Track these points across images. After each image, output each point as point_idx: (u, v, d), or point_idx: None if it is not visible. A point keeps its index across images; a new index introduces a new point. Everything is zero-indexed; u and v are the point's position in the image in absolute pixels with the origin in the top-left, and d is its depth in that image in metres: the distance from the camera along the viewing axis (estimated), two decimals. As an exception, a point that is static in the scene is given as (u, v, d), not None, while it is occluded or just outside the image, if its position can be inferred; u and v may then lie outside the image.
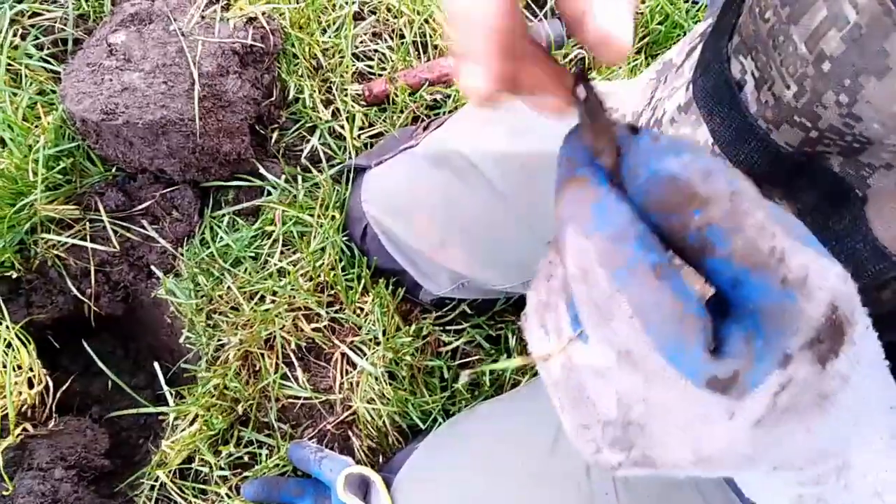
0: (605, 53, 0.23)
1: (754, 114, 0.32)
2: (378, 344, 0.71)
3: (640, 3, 0.95)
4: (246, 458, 0.69)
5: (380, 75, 0.83)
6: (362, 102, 0.82)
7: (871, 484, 0.21)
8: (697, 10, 0.95)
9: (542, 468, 0.53)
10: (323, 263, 0.72)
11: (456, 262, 0.67)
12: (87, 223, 0.72)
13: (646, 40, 0.93)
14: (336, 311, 0.72)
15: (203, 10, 0.73)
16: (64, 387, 0.69)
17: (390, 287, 0.73)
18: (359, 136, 0.80)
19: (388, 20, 0.85)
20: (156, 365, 0.71)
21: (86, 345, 0.70)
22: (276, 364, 0.70)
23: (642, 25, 0.94)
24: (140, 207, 0.73)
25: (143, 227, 0.73)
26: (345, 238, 0.74)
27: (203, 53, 0.70)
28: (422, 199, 0.67)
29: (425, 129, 0.74)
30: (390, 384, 0.70)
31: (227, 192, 0.76)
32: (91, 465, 0.67)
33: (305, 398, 0.70)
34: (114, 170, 0.74)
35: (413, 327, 0.73)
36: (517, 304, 0.78)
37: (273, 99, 0.79)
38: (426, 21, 0.85)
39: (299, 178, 0.77)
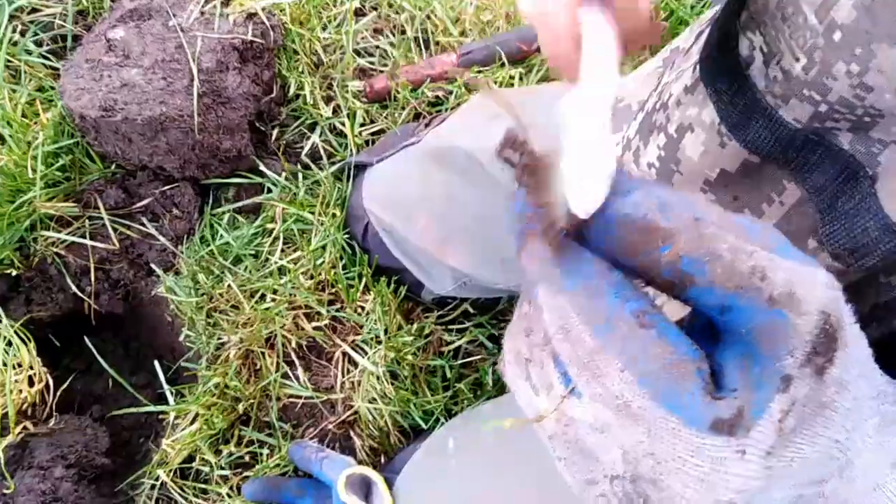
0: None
1: (762, 90, 0.32)
2: (380, 343, 0.70)
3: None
4: (247, 458, 0.69)
5: (381, 72, 0.83)
6: (363, 99, 0.81)
7: (869, 482, 0.21)
8: (703, 7, 0.93)
9: (544, 468, 0.52)
10: (324, 261, 0.72)
11: (458, 261, 0.67)
12: (87, 220, 0.71)
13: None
14: (337, 310, 0.72)
15: (203, 6, 0.73)
16: (64, 385, 0.69)
17: (392, 285, 0.72)
18: (360, 132, 0.79)
19: (389, 16, 0.84)
20: (156, 363, 0.71)
21: (88, 342, 0.70)
22: (277, 363, 0.70)
23: (647, 20, 0.93)
24: (140, 205, 0.73)
25: (142, 224, 0.73)
26: (346, 236, 0.73)
27: (202, 49, 0.70)
28: (423, 196, 0.67)
29: (427, 125, 0.73)
30: (392, 383, 0.70)
31: (227, 189, 0.76)
32: (91, 464, 0.67)
33: (306, 397, 0.70)
34: (113, 167, 0.73)
35: (415, 326, 0.73)
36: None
37: (273, 95, 0.78)
38: (428, 17, 0.84)
39: (300, 175, 0.76)
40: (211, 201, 0.75)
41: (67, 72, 0.68)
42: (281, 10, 0.78)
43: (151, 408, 0.69)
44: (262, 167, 0.75)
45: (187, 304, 0.71)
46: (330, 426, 0.69)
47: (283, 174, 0.76)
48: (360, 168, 0.74)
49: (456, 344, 0.75)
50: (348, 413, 0.70)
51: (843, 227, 0.31)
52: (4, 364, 0.65)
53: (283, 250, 0.73)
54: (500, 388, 0.75)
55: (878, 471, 0.21)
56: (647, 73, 0.50)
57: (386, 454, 0.70)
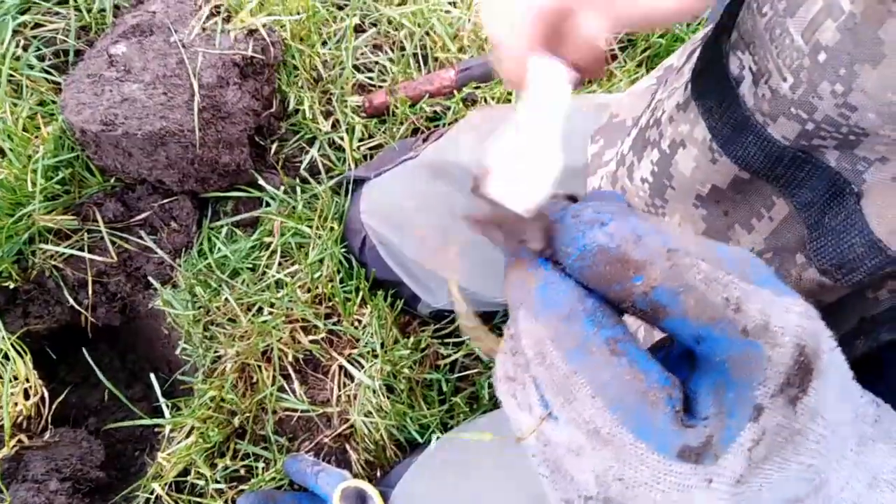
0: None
1: (752, 108, 0.32)
2: (376, 356, 0.70)
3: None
4: (242, 472, 0.69)
5: (380, 87, 0.84)
6: (362, 114, 0.82)
7: (847, 499, 0.21)
8: (698, 24, 0.95)
9: (538, 483, 0.52)
10: (321, 275, 0.72)
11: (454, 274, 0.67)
12: (86, 234, 0.72)
13: (647, 53, 0.94)
14: (334, 324, 0.72)
15: (204, 22, 0.74)
16: (60, 398, 0.69)
17: (389, 299, 0.73)
18: (358, 147, 0.80)
19: (388, 32, 0.86)
20: (152, 377, 0.71)
21: (86, 354, 0.70)
22: (274, 376, 0.70)
23: (643, 39, 0.94)
24: (138, 218, 0.73)
25: (141, 237, 0.73)
26: (343, 250, 0.74)
27: (203, 65, 0.71)
28: (421, 210, 0.67)
29: (425, 140, 0.74)
30: (388, 397, 0.70)
31: (225, 203, 0.76)
32: (86, 478, 0.66)
33: (302, 411, 0.70)
34: (112, 180, 0.74)
35: (411, 340, 0.73)
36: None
37: (273, 110, 0.79)
38: (427, 34, 0.85)
39: (298, 189, 0.76)
40: (209, 215, 0.76)
41: (69, 86, 0.69)
42: (281, 27, 0.79)
43: (147, 421, 0.69)
44: (260, 181, 0.76)
45: (184, 317, 0.71)
46: (326, 440, 0.69)
47: (282, 188, 0.76)
48: (358, 182, 0.75)
49: (452, 357, 0.75)
50: (344, 426, 0.70)
51: (831, 242, 0.32)
52: (1, 377, 0.65)
53: (280, 264, 0.73)
54: (496, 402, 0.75)
55: (854, 489, 0.21)
56: (641, 91, 0.51)
57: (382, 468, 0.70)
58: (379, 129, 0.82)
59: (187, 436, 0.68)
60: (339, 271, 0.73)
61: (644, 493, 0.19)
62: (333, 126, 0.81)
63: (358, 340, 0.72)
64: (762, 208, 0.35)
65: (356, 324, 0.72)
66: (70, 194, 0.72)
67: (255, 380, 0.70)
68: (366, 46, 0.84)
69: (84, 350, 0.71)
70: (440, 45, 0.85)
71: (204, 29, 0.74)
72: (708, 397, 0.19)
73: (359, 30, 0.85)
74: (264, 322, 0.70)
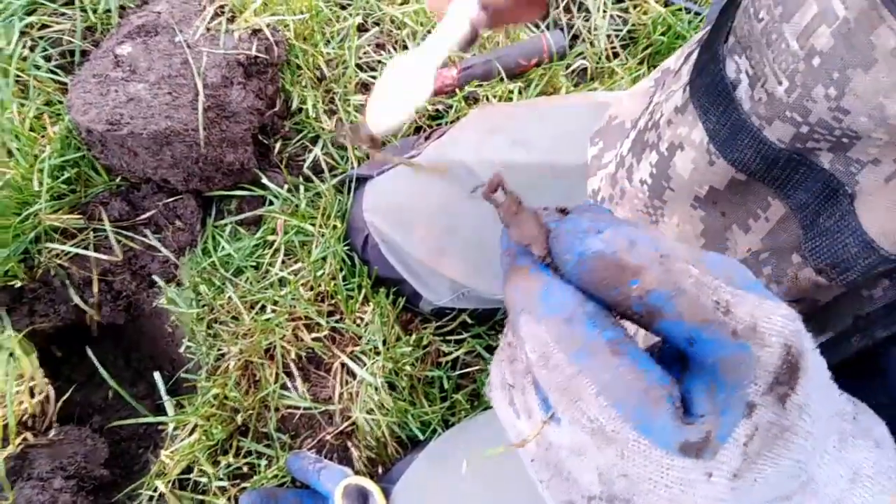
0: None
1: (748, 111, 0.33)
2: (378, 354, 0.71)
3: (643, 14, 0.95)
4: (245, 469, 0.69)
5: (382, 86, 0.84)
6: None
7: (831, 494, 0.22)
8: (699, 21, 0.95)
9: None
10: (324, 273, 0.72)
11: (456, 272, 0.67)
12: (91, 232, 0.72)
13: (648, 51, 0.94)
14: (336, 321, 0.72)
15: (208, 22, 0.74)
16: (65, 396, 0.69)
17: (391, 297, 0.73)
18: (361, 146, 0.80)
19: (391, 31, 0.86)
20: (156, 374, 0.71)
21: (91, 354, 0.71)
22: (276, 374, 0.70)
23: (644, 36, 0.94)
24: (143, 217, 0.74)
25: (145, 236, 0.74)
26: (346, 248, 0.74)
27: (208, 65, 0.71)
28: (423, 208, 0.67)
29: (427, 139, 0.74)
30: (390, 394, 0.70)
31: (229, 201, 0.77)
32: (90, 475, 0.67)
33: (305, 408, 0.70)
34: (118, 179, 0.74)
35: (413, 337, 0.73)
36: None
37: (276, 109, 0.79)
38: (429, 32, 0.85)
39: (301, 187, 0.77)
40: (213, 213, 0.76)
41: (75, 86, 0.70)
42: (285, 27, 0.80)
43: (151, 418, 0.69)
44: (264, 180, 0.76)
45: (188, 316, 0.72)
46: (328, 437, 0.69)
47: (285, 187, 0.77)
48: (361, 181, 0.75)
49: (454, 355, 0.75)
50: (346, 424, 0.70)
51: (825, 243, 0.32)
52: (6, 375, 0.65)
53: (283, 262, 0.74)
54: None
55: (836, 486, 0.22)
56: (640, 93, 0.51)
57: (383, 465, 0.70)
58: (381, 129, 0.82)
59: (191, 433, 0.68)
60: (341, 269, 0.73)
61: (648, 488, 0.20)
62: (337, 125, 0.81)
63: (360, 338, 0.72)
64: (758, 209, 0.36)
65: (358, 321, 0.72)
66: (76, 193, 0.73)
67: (257, 377, 0.70)
68: (369, 45, 0.85)
69: (89, 348, 0.71)
70: (443, 45, 0.85)
71: (208, 29, 0.74)
72: (701, 396, 0.20)
73: (362, 29, 0.85)
74: (267, 320, 0.70)
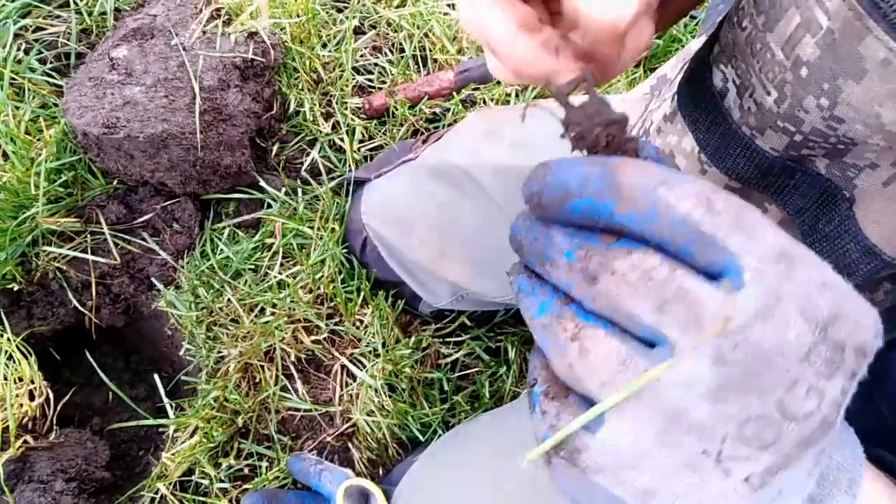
0: (591, 35, 0.24)
1: (738, 120, 0.33)
2: (378, 356, 0.71)
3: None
4: (246, 471, 0.69)
5: (380, 89, 0.84)
6: (362, 115, 0.82)
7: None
8: (696, 25, 0.96)
9: (539, 481, 0.53)
10: (323, 276, 0.73)
11: (455, 274, 0.68)
12: (89, 235, 0.72)
13: (644, 54, 0.94)
14: (336, 324, 0.73)
15: (205, 25, 0.74)
16: (65, 399, 0.69)
17: (390, 299, 0.73)
18: (358, 148, 0.81)
19: (388, 34, 0.86)
20: (156, 377, 0.71)
21: (89, 356, 0.71)
22: (276, 376, 0.70)
23: (639, 38, 0.95)
24: (141, 220, 0.74)
25: (143, 239, 0.74)
26: (344, 250, 0.74)
27: (204, 68, 0.71)
28: (421, 211, 0.68)
29: (424, 142, 0.74)
30: (390, 396, 0.71)
31: (227, 204, 0.77)
32: (91, 478, 0.67)
33: (305, 410, 0.70)
34: (115, 182, 0.74)
35: (412, 339, 0.74)
36: (516, 315, 0.78)
37: (274, 112, 0.79)
38: (426, 35, 0.86)
39: (299, 190, 0.77)
40: (211, 216, 0.76)
41: (71, 90, 0.69)
42: (282, 29, 0.80)
43: (151, 421, 0.69)
44: (262, 182, 0.76)
45: (187, 318, 0.72)
46: (328, 438, 0.70)
47: (283, 189, 0.77)
48: (359, 183, 0.75)
49: (453, 357, 0.76)
50: (347, 425, 0.70)
51: (826, 248, 0.32)
52: (5, 378, 0.65)
53: (282, 264, 0.74)
54: (497, 401, 0.76)
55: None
56: (636, 99, 0.52)
57: (384, 466, 0.71)
58: (379, 131, 0.82)
59: (191, 435, 0.68)
60: (340, 272, 0.73)
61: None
62: (334, 128, 0.81)
63: (360, 340, 0.72)
64: None
65: (358, 324, 0.73)
66: (73, 197, 0.72)
67: (258, 380, 0.71)
68: (365, 48, 0.85)
69: (88, 352, 0.71)
70: (439, 47, 0.86)
71: (204, 32, 0.74)
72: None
73: (358, 32, 0.85)
74: (267, 322, 0.70)
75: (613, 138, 0.22)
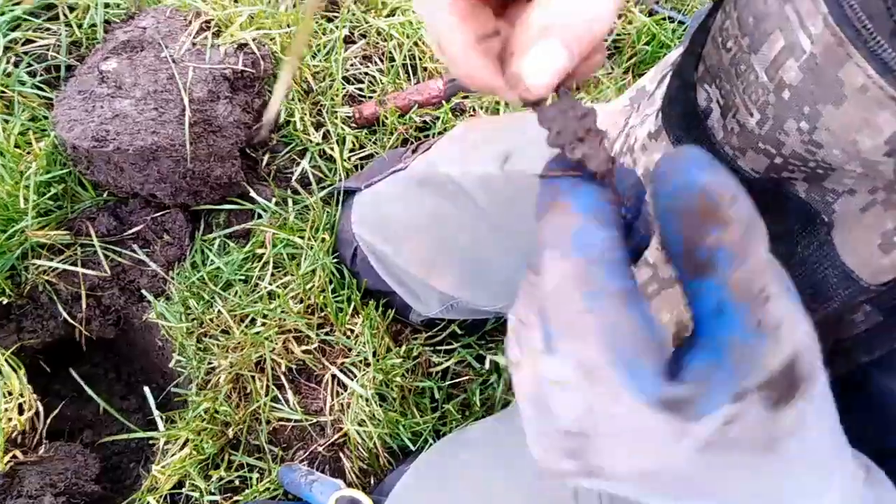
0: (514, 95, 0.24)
1: (721, 141, 0.33)
2: (368, 365, 0.71)
3: (627, 23, 0.96)
4: (237, 482, 0.69)
5: (370, 98, 0.84)
6: (352, 125, 0.83)
7: None
8: (684, 30, 0.96)
9: (531, 490, 0.53)
10: (313, 285, 0.73)
11: (445, 284, 0.68)
12: (79, 248, 0.72)
13: (633, 60, 0.95)
14: (326, 333, 0.73)
15: (194, 37, 0.75)
16: (55, 412, 0.69)
17: (380, 308, 0.73)
18: (349, 158, 0.81)
19: (378, 43, 0.86)
20: (146, 389, 0.71)
21: (75, 373, 0.70)
22: (267, 386, 0.70)
23: (629, 46, 0.95)
24: (131, 232, 0.74)
25: (133, 251, 0.74)
26: (335, 260, 0.74)
27: (194, 79, 0.71)
28: (411, 221, 0.68)
29: (414, 151, 0.75)
30: (381, 406, 0.71)
31: (218, 215, 0.77)
32: (81, 491, 0.67)
33: (296, 420, 0.70)
34: (105, 195, 0.74)
35: (403, 348, 0.74)
36: (507, 324, 0.78)
37: (263, 122, 0.80)
38: (415, 44, 0.86)
39: (290, 200, 0.77)
40: (202, 227, 0.76)
41: (60, 103, 0.69)
42: (271, 40, 0.80)
43: (141, 434, 0.69)
44: (252, 193, 0.76)
45: (178, 330, 0.72)
46: (319, 449, 0.70)
47: (274, 200, 0.77)
48: (349, 193, 0.75)
49: (444, 365, 0.76)
50: (338, 435, 0.70)
51: (805, 271, 0.32)
52: (-5, 392, 0.65)
53: (272, 275, 0.74)
54: (489, 409, 0.76)
55: None
56: (616, 112, 0.52)
57: (375, 476, 0.71)
58: (369, 140, 0.83)
59: (182, 448, 0.68)
60: (330, 281, 0.74)
61: (616, 431, 0.20)
62: (324, 137, 0.81)
63: (350, 350, 0.72)
64: None
65: (348, 333, 0.73)
66: (63, 209, 0.72)
67: (248, 390, 0.71)
68: (355, 58, 0.85)
69: (75, 367, 0.71)
70: (429, 56, 0.86)
71: (194, 44, 0.74)
72: (698, 369, 0.20)
73: (348, 41, 0.86)
74: (257, 333, 0.70)
75: (588, 131, 0.22)
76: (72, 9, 0.78)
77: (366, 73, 0.85)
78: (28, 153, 0.71)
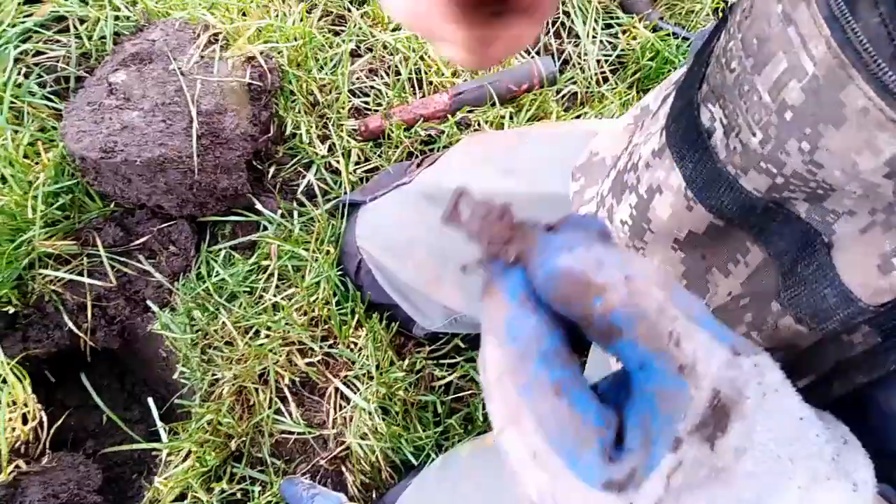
0: None
1: (723, 160, 0.34)
2: (371, 379, 0.71)
3: (631, 39, 0.97)
4: (239, 495, 0.69)
5: (375, 111, 0.85)
6: (358, 138, 0.83)
7: None
8: (688, 46, 0.97)
9: None
10: (317, 298, 0.73)
11: (449, 298, 0.68)
12: (85, 258, 0.72)
13: (637, 76, 0.95)
14: (330, 346, 0.73)
15: (202, 50, 0.75)
16: (58, 422, 0.69)
17: (384, 321, 0.74)
18: (354, 170, 0.81)
19: (384, 57, 0.87)
20: (150, 400, 0.71)
21: (85, 380, 0.71)
22: (270, 399, 0.70)
23: (633, 61, 0.96)
24: (137, 242, 0.74)
25: (139, 261, 0.74)
26: (339, 273, 0.75)
27: (202, 92, 0.72)
28: (415, 235, 0.68)
29: (418, 165, 0.75)
30: (383, 419, 0.71)
31: (223, 226, 0.77)
32: (83, 502, 0.67)
33: (299, 433, 0.70)
34: (112, 205, 0.75)
35: (406, 362, 0.74)
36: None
37: (270, 135, 0.80)
38: (421, 58, 0.87)
39: (295, 212, 0.78)
40: (207, 238, 0.77)
41: (69, 114, 0.70)
42: (279, 53, 0.81)
43: (144, 445, 0.69)
44: (258, 205, 0.77)
45: (182, 341, 0.72)
46: (322, 462, 0.70)
47: (279, 212, 0.77)
48: (354, 206, 0.76)
49: (447, 379, 0.76)
50: (340, 449, 0.70)
51: (804, 291, 0.33)
52: (-1, 401, 0.65)
53: (277, 287, 0.74)
54: (490, 424, 0.75)
55: None
56: (620, 130, 0.52)
57: (377, 490, 0.71)
58: (375, 153, 0.83)
59: (184, 459, 0.68)
60: (335, 294, 0.74)
61: None
62: (330, 150, 0.82)
63: (353, 363, 0.73)
64: (738, 254, 0.36)
65: (352, 346, 0.73)
66: (70, 220, 0.73)
67: (251, 402, 0.71)
68: (361, 71, 0.86)
69: (83, 375, 0.71)
70: (434, 70, 0.87)
71: (202, 56, 0.75)
72: (635, 425, 0.22)
73: (354, 55, 0.86)
74: (261, 345, 0.71)
75: (513, 227, 0.23)
76: (82, 21, 0.79)
77: (371, 87, 0.86)
78: (36, 163, 0.72)
